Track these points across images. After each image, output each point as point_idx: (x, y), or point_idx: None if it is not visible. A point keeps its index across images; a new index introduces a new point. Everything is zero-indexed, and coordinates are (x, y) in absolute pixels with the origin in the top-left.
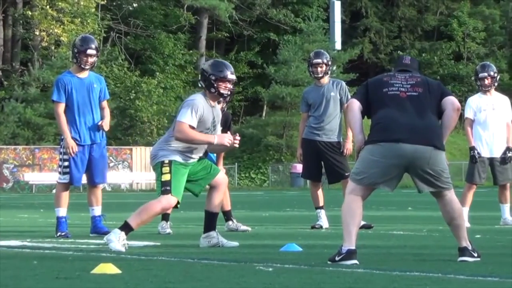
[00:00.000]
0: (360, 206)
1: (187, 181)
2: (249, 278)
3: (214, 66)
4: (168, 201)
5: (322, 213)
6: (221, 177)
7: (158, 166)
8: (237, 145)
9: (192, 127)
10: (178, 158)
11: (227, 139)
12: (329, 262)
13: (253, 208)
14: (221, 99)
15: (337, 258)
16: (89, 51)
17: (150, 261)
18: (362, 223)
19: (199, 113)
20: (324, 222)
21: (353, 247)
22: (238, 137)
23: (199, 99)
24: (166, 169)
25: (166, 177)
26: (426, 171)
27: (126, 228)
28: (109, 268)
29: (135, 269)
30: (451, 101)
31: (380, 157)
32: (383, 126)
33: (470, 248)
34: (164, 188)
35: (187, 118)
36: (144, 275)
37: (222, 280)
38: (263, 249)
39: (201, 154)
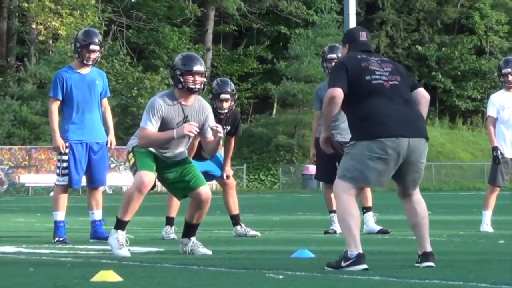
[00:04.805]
0: (356, 206)
1: (170, 183)
2: (258, 286)
3: (180, 60)
4: (139, 178)
5: (336, 217)
6: (204, 192)
7: (127, 157)
8: (220, 135)
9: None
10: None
11: (186, 129)
12: (328, 269)
13: (262, 212)
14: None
15: (344, 264)
16: (92, 47)
17: (154, 268)
18: (379, 228)
19: (158, 114)
20: (338, 226)
21: (362, 251)
22: (219, 128)
23: (158, 99)
24: (131, 155)
25: (132, 161)
26: (417, 166)
27: (119, 224)
28: (110, 276)
29: (137, 276)
30: (424, 94)
31: (380, 153)
32: (378, 121)
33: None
34: (133, 170)
35: (145, 123)
36: (147, 283)
37: None
38: (274, 255)
39: (176, 150)
